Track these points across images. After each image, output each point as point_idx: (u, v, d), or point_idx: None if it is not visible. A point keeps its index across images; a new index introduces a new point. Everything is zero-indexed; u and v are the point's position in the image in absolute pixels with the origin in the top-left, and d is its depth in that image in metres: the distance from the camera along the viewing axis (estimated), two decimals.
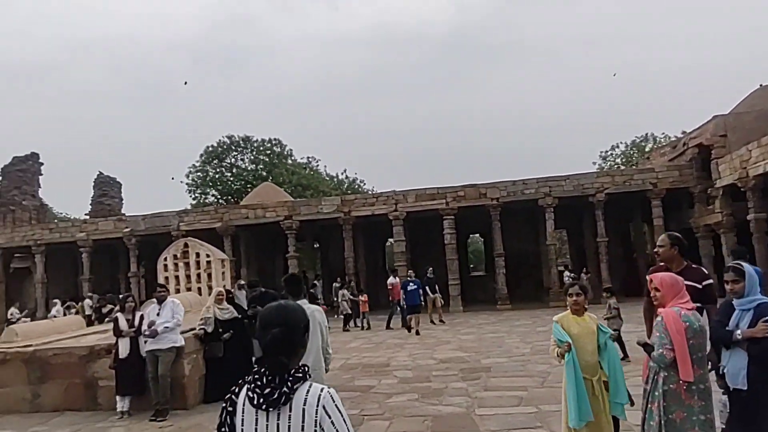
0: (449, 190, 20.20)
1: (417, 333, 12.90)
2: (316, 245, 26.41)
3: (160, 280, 10.75)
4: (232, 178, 45.36)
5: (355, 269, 20.65)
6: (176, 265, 10.48)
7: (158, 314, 6.87)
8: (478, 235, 27.33)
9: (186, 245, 10.60)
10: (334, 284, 19.06)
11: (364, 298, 15.54)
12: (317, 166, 45.89)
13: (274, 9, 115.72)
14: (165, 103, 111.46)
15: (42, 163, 40.05)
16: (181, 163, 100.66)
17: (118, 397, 6.79)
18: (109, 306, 13.20)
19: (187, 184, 45.42)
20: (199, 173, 45.13)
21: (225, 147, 44.43)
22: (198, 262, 10.39)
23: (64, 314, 17.88)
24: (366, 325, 15.30)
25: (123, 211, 38.96)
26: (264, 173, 45.03)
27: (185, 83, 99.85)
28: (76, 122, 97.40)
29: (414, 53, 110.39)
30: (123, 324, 6.91)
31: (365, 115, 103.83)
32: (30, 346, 7.59)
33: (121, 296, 17.28)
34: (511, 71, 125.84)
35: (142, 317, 6.94)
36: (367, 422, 5.82)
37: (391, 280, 15.90)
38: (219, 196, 45.51)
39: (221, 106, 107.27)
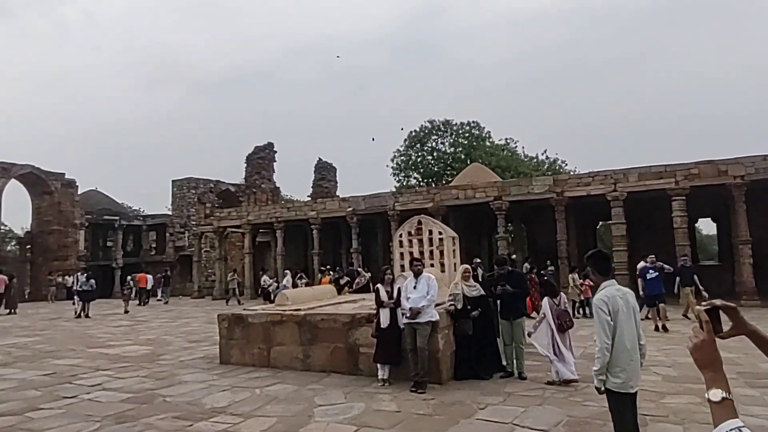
0: (679, 168, 17.75)
1: (664, 329, 11.34)
2: (523, 226, 25.56)
3: (395, 255, 11.06)
4: (432, 161, 46.14)
5: (567, 252, 19.41)
6: (410, 241, 10.67)
7: (414, 287, 6.90)
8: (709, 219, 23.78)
9: (420, 222, 10.73)
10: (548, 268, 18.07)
11: (589, 282, 14.38)
12: (515, 147, 44.42)
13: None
14: (369, 93, 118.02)
15: (276, 151, 45.05)
16: (387, 147, 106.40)
17: (378, 365, 7.00)
18: (346, 278, 14.12)
19: (392, 167, 47.38)
20: (402, 157, 46.72)
21: (426, 131, 45.31)
22: (431, 239, 10.45)
23: (294, 284, 19.76)
24: (590, 313, 14.17)
25: (338, 194, 42.14)
26: (462, 156, 44.97)
27: (338, 56, 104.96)
28: (298, 114, 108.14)
29: (611, 25, 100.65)
30: (383, 295, 7.08)
31: (563, 93, 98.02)
32: (299, 310, 8.25)
33: (349, 269, 18.50)
34: (732, 32, 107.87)
35: (399, 290, 7.04)
36: (654, 424, 5.09)
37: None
38: (420, 179, 46.65)
39: (421, 93, 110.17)
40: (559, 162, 44.06)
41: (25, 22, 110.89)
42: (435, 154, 45.70)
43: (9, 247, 43.79)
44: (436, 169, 45.91)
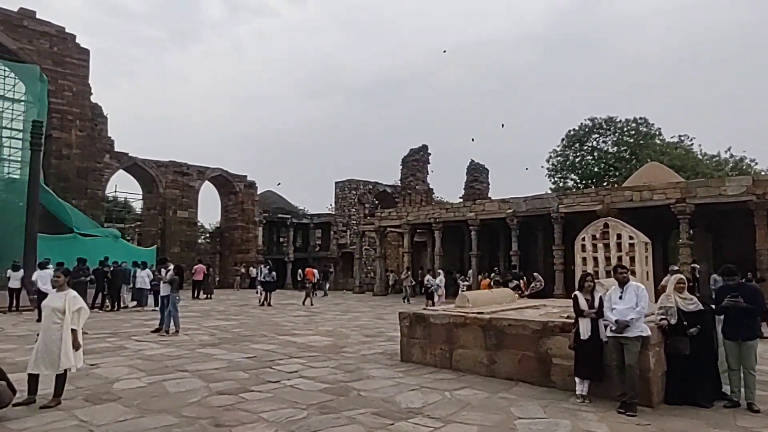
0: None
1: None
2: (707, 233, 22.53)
3: (577, 260, 10.23)
4: (592, 162, 43.11)
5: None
6: (594, 246, 9.78)
7: (620, 297, 6.16)
8: None
9: (606, 225, 9.78)
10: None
11: None
12: (691, 145, 39.65)
13: None
14: (521, 93, 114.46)
15: (430, 153, 45.41)
16: (540, 149, 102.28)
17: (577, 379, 6.36)
18: (515, 282, 13.49)
19: (547, 168, 45.19)
20: (559, 158, 44.31)
21: (587, 130, 42.42)
22: (619, 244, 9.46)
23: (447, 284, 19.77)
24: None
25: (489, 195, 41.18)
26: (627, 155, 41.40)
27: (444, 51, 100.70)
28: (449, 116, 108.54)
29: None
30: (583, 303, 6.42)
31: (746, 82, 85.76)
32: (482, 314, 7.89)
33: (513, 272, 17.75)
34: None
35: (601, 299, 6.34)
36: None
37: None
38: (578, 180, 43.87)
39: (577, 90, 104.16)
40: (747, 161, 38.49)
41: (209, 44, 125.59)
42: (596, 154, 42.63)
43: (200, 240, 49.67)
44: (596, 170, 42.84)
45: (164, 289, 12.02)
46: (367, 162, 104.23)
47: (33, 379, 5.86)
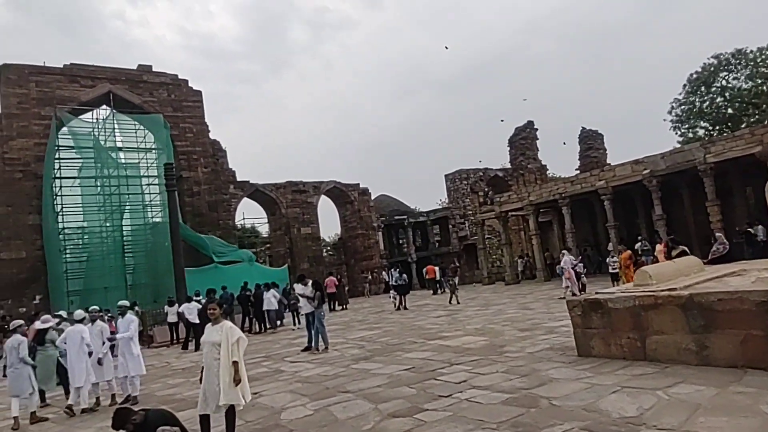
0: None
1: None
2: None
3: None
4: (724, 104, 38.05)
5: None
6: None
7: None
8: None
9: None
10: None
11: None
12: None
13: None
14: (622, 51, 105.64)
15: (537, 129, 42.81)
16: (658, 101, 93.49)
17: None
18: (681, 247, 11.62)
19: (670, 121, 40.66)
20: (683, 106, 39.63)
21: (712, 70, 37.44)
22: None
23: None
24: None
25: (608, 162, 37.74)
26: (766, 87, 35.96)
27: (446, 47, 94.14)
28: (548, 90, 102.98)
29: None
30: None
31: None
32: (674, 289, 6.48)
33: (671, 238, 15.54)
34: None
35: None
36: None
37: None
38: (710, 128, 38.97)
39: (686, 36, 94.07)
40: None
41: (301, 68, 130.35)
42: (727, 94, 37.51)
43: (324, 253, 50.95)
44: (730, 112, 37.75)
45: (307, 306, 11.79)
46: (472, 150, 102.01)
47: (204, 420, 5.54)
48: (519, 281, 26.59)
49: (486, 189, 42.54)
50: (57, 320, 10.46)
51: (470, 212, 39.07)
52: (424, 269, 31.44)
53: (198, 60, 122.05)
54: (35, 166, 26.98)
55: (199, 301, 16.29)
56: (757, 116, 35.04)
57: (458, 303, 18.49)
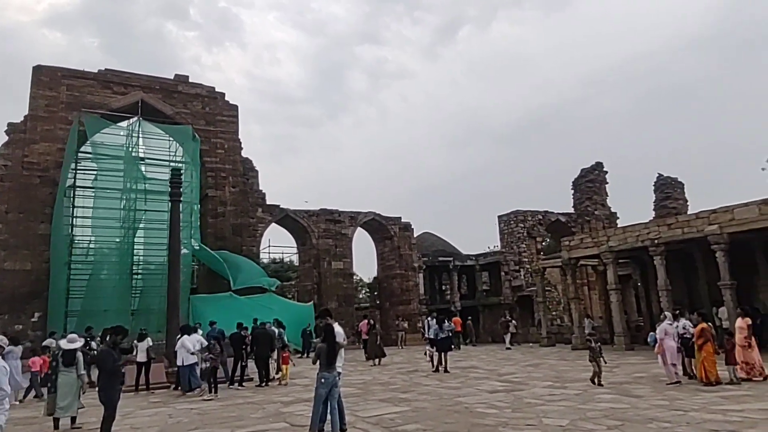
0: None
1: None
2: None
3: None
4: None
5: None
6: None
7: None
8: None
9: None
10: None
11: None
12: None
13: None
14: (684, 107, 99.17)
15: (606, 172, 37.94)
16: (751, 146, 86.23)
17: None
18: None
19: None
20: None
21: None
22: None
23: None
24: None
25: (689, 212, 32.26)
26: None
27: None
28: (612, 142, 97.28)
29: None
30: None
31: None
32: None
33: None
34: None
35: None
36: None
37: None
38: None
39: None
40: None
41: (359, 114, 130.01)
42: None
43: (360, 295, 46.71)
44: None
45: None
46: (530, 193, 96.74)
47: None
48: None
49: (546, 234, 37.71)
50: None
51: (525, 259, 34.22)
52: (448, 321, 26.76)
53: (263, 103, 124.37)
54: (54, 173, 24.57)
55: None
56: None
57: (601, 384, 11.08)
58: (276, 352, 14.51)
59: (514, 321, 28.55)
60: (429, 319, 19.14)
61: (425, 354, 17.13)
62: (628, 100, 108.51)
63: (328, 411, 7.30)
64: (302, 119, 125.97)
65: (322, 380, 7.31)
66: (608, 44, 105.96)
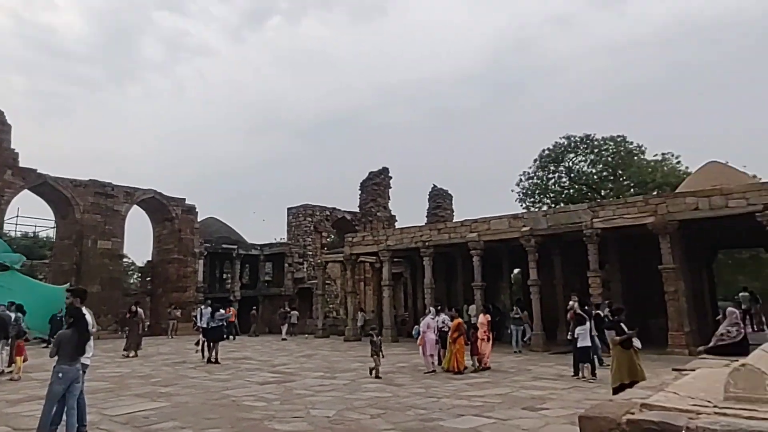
0: None
1: None
2: None
3: None
4: (568, 184, 39.80)
5: None
6: None
7: None
8: None
9: None
10: None
11: None
12: (678, 163, 36.68)
13: (552, 30, 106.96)
14: (462, 129, 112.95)
15: (391, 177, 40.72)
16: (509, 172, 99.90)
17: None
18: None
19: (518, 192, 41.43)
20: (531, 180, 40.70)
21: (561, 149, 39.10)
22: None
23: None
24: None
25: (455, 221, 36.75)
26: (607, 174, 38.37)
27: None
28: (398, 150, 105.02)
29: (724, 45, 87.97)
30: None
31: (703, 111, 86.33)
32: None
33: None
34: None
35: None
36: None
37: None
38: (552, 205, 40.30)
39: (517, 126, 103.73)
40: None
41: (148, 84, 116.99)
42: (572, 174, 39.29)
43: (132, 280, 42.09)
44: (571, 192, 39.41)
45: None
46: (320, 189, 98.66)
47: None
48: (360, 338, 22.58)
49: (331, 230, 38.88)
50: None
51: (310, 252, 34.81)
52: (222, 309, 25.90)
53: (30, 51, 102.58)
54: None
55: None
56: (596, 199, 36.82)
57: (379, 377, 11.25)
58: (10, 340, 12.03)
59: (296, 312, 28.66)
60: (203, 307, 17.92)
61: (197, 344, 16.02)
62: (415, 114, 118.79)
63: (64, 411, 6.13)
64: (79, 79, 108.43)
65: (60, 375, 6.10)
66: (405, 62, 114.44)
